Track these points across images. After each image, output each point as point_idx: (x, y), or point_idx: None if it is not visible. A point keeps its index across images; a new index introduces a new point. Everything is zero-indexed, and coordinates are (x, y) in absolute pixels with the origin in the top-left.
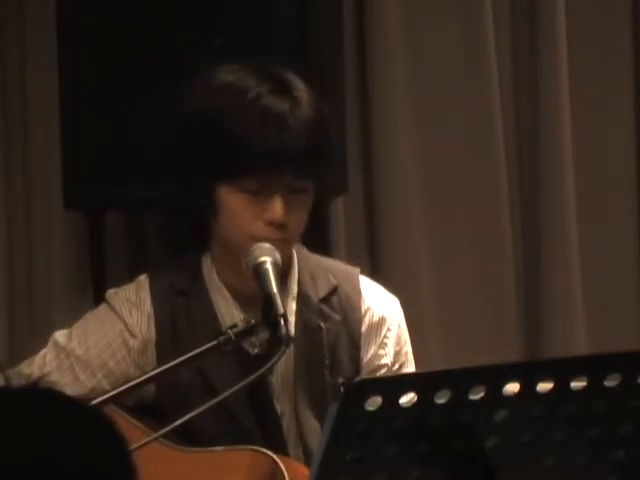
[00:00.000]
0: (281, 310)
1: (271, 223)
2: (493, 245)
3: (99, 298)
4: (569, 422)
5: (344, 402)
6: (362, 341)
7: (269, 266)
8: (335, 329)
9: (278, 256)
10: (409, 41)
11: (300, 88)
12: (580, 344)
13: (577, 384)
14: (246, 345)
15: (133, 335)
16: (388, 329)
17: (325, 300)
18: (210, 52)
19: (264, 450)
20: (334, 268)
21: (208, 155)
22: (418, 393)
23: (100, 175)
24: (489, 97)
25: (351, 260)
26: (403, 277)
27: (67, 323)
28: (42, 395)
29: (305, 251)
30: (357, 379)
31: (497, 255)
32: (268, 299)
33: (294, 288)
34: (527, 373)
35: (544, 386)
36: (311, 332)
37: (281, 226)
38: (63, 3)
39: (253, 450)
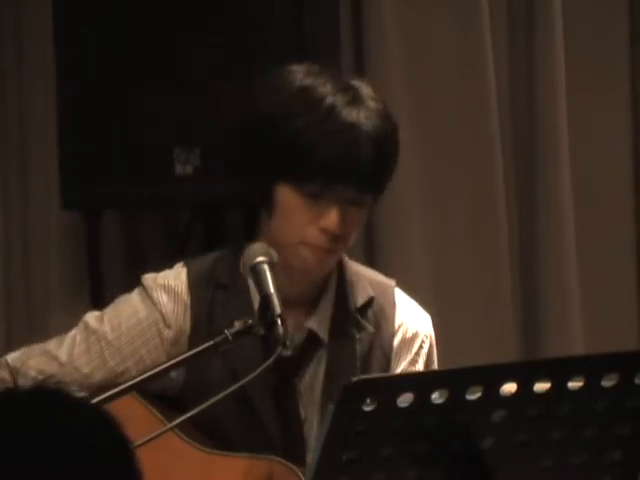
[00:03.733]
0: (278, 310)
1: (325, 231)
2: (491, 245)
3: (96, 298)
4: (566, 422)
5: (341, 402)
6: (393, 355)
7: (265, 266)
8: (368, 340)
9: (275, 255)
10: (406, 41)
11: (372, 99)
12: (577, 344)
13: (574, 384)
14: (275, 345)
15: (168, 325)
16: (420, 346)
17: (361, 310)
18: (210, 52)
19: (287, 463)
20: (371, 279)
21: (274, 153)
22: (415, 393)
23: (97, 175)
24: (487, 97)
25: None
26: (400, 276)
27: (64, 324)
28: (48, 396)
29: (346, 257)
30: (354, 379)
31: (495, 255)
32: (265, 299)
33: (332, 294)
34: (524, 373)
35: (541, 386)
36: (345, 340)
37: (335, 237)
38: (60, 3)
39: (276, 461)
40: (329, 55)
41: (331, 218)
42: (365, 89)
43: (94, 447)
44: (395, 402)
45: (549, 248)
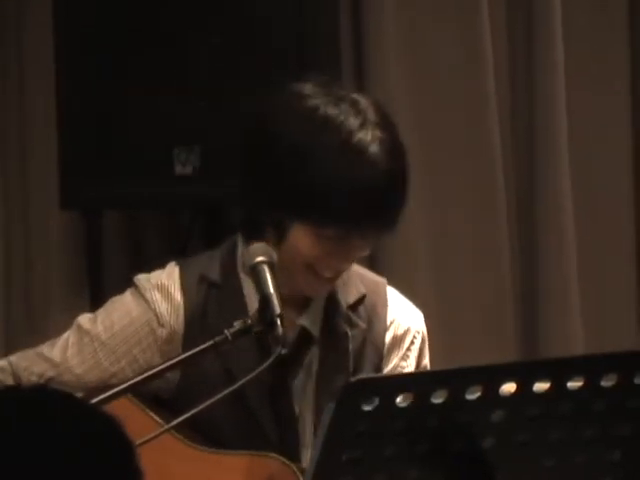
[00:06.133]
0: (277, 310)
1: (334, 266)
2: (491, 246)
3: (96, 298)
4: (566, 422)
5: (341, 402)
6: (385, 351)
7: (265, 266)
8: (360, 337)
9: (274, 255)
10: (406, 41)
11: (382, 130)
12: (577, 344)
13: (574, 384)
14: (274, 345)
15: (162, 324)
16: (412, 342)
17: (353, 307)
18: (210, 52)
19: (285, 460)
20: (363, 276)
21: (289, 194)
22: (415, 393)
23: (97, 175)
24: (486, 96)
25: None
26: (401, 278)
27: (64, 323)
28: (49, 395)
29: None
30: (354, 379)
31: (495, 255)
32: (264, 299)
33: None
34: (523, 373)
35: (541, 386)
36: (337, 337)
37: (342, 270)
38: (61, 3)
39: (274, 458)
40: (329, 55)
41: (343, 258)
42: (374, 116)
43: (94, 447)
44: (395, 402)
45: (549, 248)
